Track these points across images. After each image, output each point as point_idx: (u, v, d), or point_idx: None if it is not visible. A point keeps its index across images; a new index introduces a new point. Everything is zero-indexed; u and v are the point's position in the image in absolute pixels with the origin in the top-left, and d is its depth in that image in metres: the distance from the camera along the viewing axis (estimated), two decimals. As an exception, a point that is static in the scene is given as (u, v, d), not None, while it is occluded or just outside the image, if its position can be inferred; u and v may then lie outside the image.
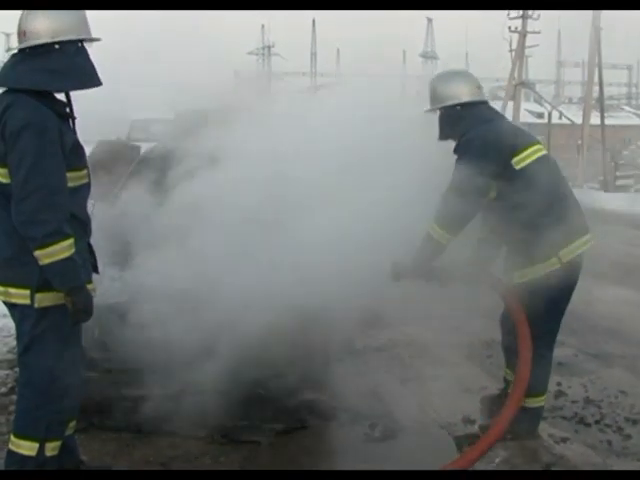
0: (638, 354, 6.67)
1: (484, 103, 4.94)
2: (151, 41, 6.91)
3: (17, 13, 3.85)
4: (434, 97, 4.90)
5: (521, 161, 4.66)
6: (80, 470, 4.19)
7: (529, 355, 4.47)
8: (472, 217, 4.73)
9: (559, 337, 5.12)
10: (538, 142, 4.96)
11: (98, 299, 4.96)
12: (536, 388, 4.80)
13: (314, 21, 73.29)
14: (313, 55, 69.51)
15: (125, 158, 7.74)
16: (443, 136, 4.90)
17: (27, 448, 3.89)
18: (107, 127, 7.67)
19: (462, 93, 4.82)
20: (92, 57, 3.86)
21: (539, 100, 44.85)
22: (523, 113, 43.44)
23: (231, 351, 4.61)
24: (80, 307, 3.77)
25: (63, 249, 3.63)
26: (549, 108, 40.44)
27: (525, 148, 4.72)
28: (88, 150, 6.79)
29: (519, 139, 4.81)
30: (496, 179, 4.60)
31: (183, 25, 6.78)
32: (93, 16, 3.87)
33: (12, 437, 3.96)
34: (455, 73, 5.05)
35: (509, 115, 42.37)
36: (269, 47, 64.11)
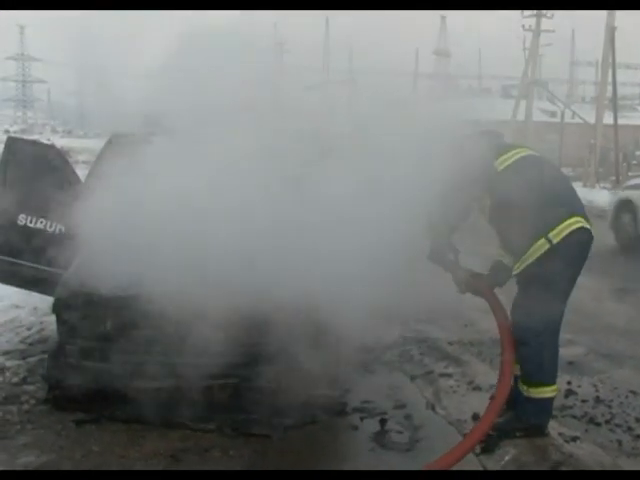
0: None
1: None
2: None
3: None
4: None
5: (503, 162, 4.85)
6: (80, 470, 4.20)
7: (511, 366, 4.74)
8: (454, 220, 5.06)
9: (570, 336, 5.13)
10: (521, 147, 5.12)
11: (109, 292, 5.04)
12: (540, 377, 4.84)
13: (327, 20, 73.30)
14: (325, 51, 69.40)
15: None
16: None
17: None
18: (121, 121, 7.67)
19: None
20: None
21: (552, 99, 44.74)
22: (536, 112, 43.41)
23: (243, 344, 4.63)
24: None
25: None
26: (562, 107, 40.38)
27: (507, 152, 4.92)
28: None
29: (502, 147, 5.02)
30: (482, 182, 4.82)
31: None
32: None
33: None
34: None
35: (522, 113, 42.38)
36: (281, 44, 63.97)
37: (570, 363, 6.47)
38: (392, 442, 4.89)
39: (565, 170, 32.09)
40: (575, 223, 4.75)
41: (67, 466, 4.41)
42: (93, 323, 5.11)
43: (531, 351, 4.78)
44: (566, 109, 40.30)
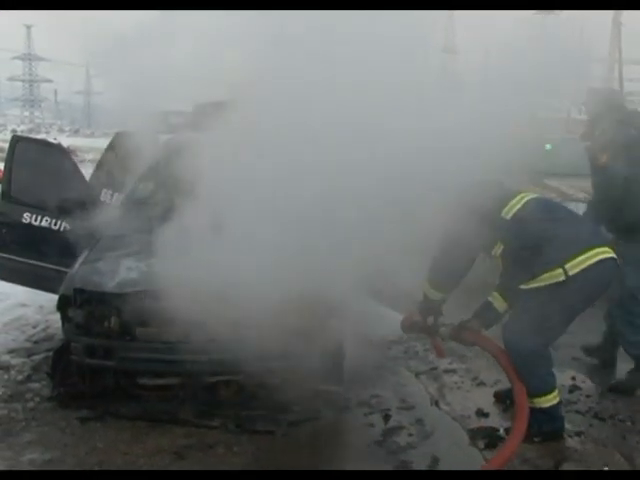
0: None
1: None
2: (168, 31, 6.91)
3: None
4: None
5: (510, 210, 4.83)
6: (80, 470, 4.21)
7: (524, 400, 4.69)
8: (461, 274, 4.95)
9: (574, 331, 5.11)
10: (524, 190, 5.09)
11: (114, 289, 5.05)
12: (540, 387, 4.83)
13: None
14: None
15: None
16: None
17: None
18: (126, 119, 7.68)
19: None
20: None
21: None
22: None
23: (245, 340, 4.63)
24: None
25: None
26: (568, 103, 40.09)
27: (511, 198, 4.89)
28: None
29: (506, 193, 4.98)
30: (492, 232, 4.77)
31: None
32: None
33: None
34: None
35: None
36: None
37: (574, 359, 6.47)
38: (396, 438, 4.88)
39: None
40: (595, 256, 4.70)
41: (71, 462, 4.43)
42: (97, 320, 5.13)
43: (526, 367, 4.78)
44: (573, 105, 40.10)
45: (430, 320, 5.19)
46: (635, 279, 5.69)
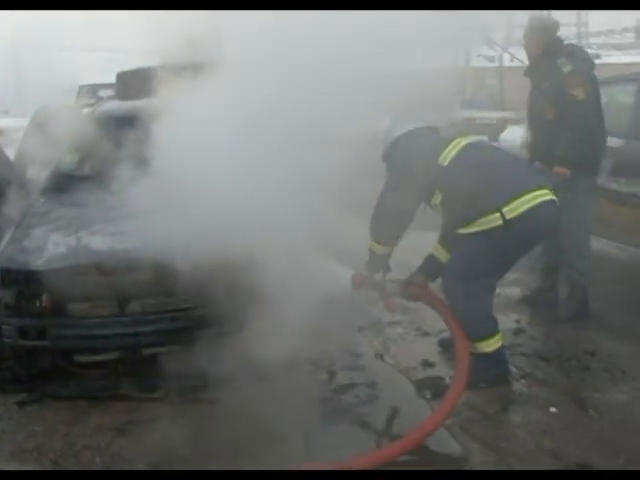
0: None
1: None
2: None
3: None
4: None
5: (447, 156, 4.79)
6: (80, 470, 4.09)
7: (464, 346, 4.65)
8: (403, 226, 4.98)
9: (517, 275, 5.12)
10: (460, 136, 5.05)
11: (44, 266, 4.87)
12: (480, 331, 4.81)
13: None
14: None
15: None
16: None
17: None
18: (53, 94, 7.49)
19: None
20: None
21: (490, 44, 44.71)
22: (474, 57, 43.40)
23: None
24: None
25: None
26: (500, 51, 40.42)
27: (447, 145, 4.86)
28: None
29: (441, 140, 5.00)
30: (430, 180, 4.78)
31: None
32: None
33: None
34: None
35: (460, 61, 42.38)
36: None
37: (518, 302, 6.48)
38: (343, 395, 4.82)
39: (508, 114, 32.25)
40: (533, 199, 4.61)
41: (8, 449, 4.28)
42: (28, 300, 4.95)
43: (464, 312, 4.74)
44: (504, 53, 40.37)
45: (378, 276, 5.18)
46: (585, 209, 5.83)
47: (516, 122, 33.93)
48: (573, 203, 5.53)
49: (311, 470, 3.65)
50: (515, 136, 12.97)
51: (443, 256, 5.10)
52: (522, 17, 6.71)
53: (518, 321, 6.05)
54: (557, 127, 5.78)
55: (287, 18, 4.37)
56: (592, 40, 37.03)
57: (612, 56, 33.10)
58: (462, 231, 4.73)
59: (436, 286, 5.24)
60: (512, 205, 4.56)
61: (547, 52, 5.95)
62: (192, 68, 5.07)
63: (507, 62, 40.37)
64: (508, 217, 4.55)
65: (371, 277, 5.23)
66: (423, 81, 4.58)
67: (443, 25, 4.48)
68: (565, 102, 5.73)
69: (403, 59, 4.60)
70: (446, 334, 5.49)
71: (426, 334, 5.83)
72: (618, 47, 38.59)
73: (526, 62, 6.46)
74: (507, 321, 5.86)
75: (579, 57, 5.91)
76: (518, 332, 5.84)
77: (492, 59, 43.88)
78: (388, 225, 4.97)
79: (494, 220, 4.58)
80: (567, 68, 5.75)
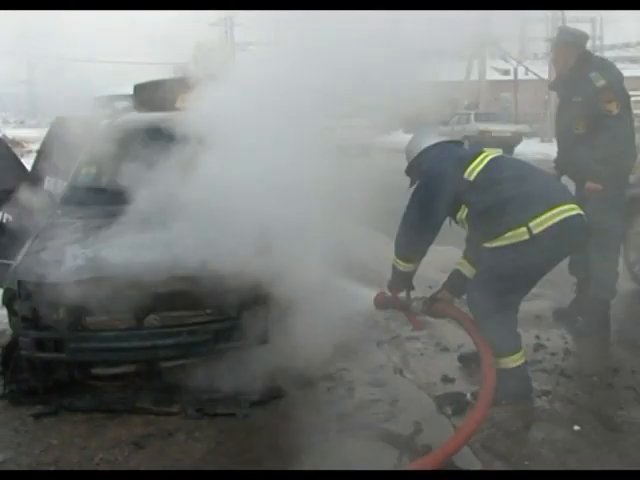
0: (616, 302, 6.57)
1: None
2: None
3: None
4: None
5: (473, 171, 4.74)
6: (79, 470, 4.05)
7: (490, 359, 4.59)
8: (428, 242, 4.88)
9: (536, 290, 5.05)
10: (485, 151, 4.99)
11: (62, 278, 4.84)
12: (504, 347, 4.73)
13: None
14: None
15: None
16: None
17: None
18: (69, 105, 7.50)
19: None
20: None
21: (505, 57, 44.76)
22: (489, 70, 43.43)
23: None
24: None
25: None
26: (515, 64, 40.43)
27: (473, 160, 4.81)
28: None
29: (466, 154, 4.94)
30: (456, 194, 4.74)
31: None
32: None
33: None
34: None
35: (474, 74, 42.42)
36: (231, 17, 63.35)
37: (537, 317, 6.42)
38: (363, 412, 4.76)
39: (522, 127, 32.18)
40: (559, 214, 4.56)
41: (25, 462, 4.24)
42: (45, 312, 4.92)
43: (489, 327, 4.68)
44: (519, 66, 40.37)
45: (402, 295, 5.15)
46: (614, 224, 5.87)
47: (530, 135, 33.92)
48: (602, 217, 5.47)
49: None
50: (530, 149, 12.98)
51: (468, 271, 5.06)
52: (537, 29, 6.70)
53: (538, 336, 5.99)
54: (588, 141, 5.71)
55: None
56: (607, 53, 36.91)
57: (627, 69, 33.00)
58: (487, 245, 4.68)
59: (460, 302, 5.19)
60: (539, 220, 4.51)
61: (577, 65, 5.89)
62: (208, 79, 5.07)
63: (521, 75, 40.42)
64: (535, 232, 4.49)
65: (394, 297, 5.18)
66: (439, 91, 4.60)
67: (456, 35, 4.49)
68: (598, 117, 5.67)
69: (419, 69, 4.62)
70: (466, 349, 5.45)
71: (445, 349, 5.77)
72: (633, 60, 38.55)
73: (541, 75, 6.46)
74: (527, 336, 5.78)
75: (611, 71, 5.87)
76: (538, 348, 5.77)
77: (507, 72, 43.88)
78: (413, 241, 4.90)
79: (521, 235, 4.52)
80: (601, 82, 5.69)
